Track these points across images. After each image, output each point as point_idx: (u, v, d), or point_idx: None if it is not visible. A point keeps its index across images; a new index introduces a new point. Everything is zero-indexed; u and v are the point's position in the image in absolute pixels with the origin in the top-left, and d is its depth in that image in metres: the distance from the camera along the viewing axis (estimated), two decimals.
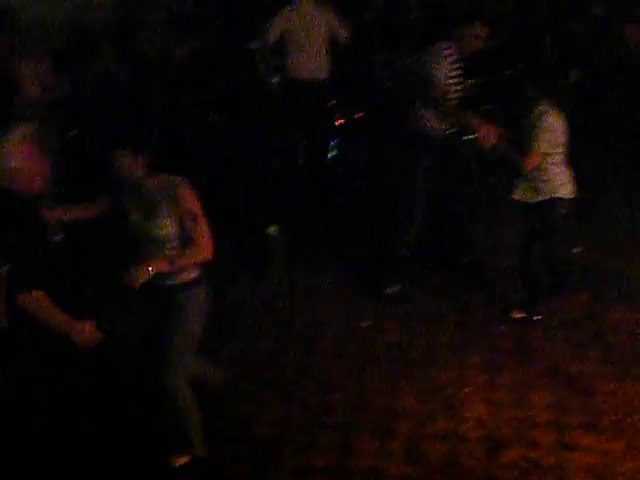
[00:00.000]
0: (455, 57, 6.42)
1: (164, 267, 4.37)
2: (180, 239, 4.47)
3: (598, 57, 10.40)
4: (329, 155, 8.82)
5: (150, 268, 4.30)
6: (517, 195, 6.23)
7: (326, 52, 8.56)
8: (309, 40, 8.45)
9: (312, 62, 8.50)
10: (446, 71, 6.39)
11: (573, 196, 6.16)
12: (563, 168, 6.11)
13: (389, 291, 6.82)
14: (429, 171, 6.58)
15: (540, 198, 6.12)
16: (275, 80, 8.88)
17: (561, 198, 6.11)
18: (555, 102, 6.01)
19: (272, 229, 7.71)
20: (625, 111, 9.08)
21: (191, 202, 4.44)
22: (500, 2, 11.89)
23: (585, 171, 6.52)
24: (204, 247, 4.48)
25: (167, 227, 4.43)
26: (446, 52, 6.40)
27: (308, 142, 8.70)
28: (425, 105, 6.47)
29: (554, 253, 6.35)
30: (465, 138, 6.80)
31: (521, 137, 6.05)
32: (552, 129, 5.97)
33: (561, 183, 6.09)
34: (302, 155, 8.70)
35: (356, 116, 9.04)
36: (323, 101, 8.69)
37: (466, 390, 5.63)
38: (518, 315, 6.49)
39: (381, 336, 6.34)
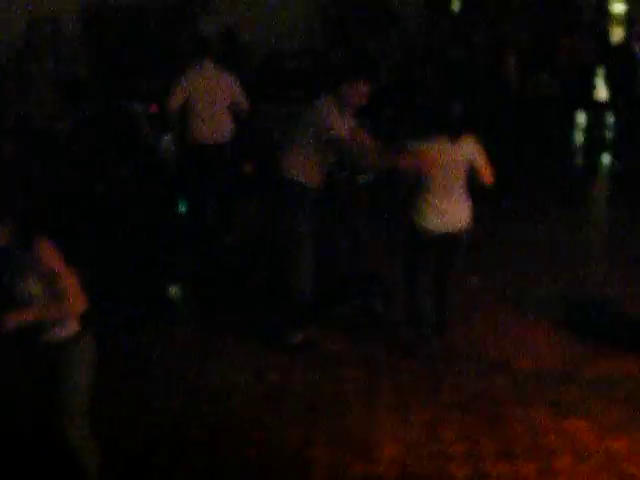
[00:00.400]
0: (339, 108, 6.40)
1: (28, 317, 4.34)
2: (50, 297, 4.43)
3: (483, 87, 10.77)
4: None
5: (13, 316, 4.29)
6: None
7: (228, 115, 8.61)
8: (212, 105, 8.46)
9: (215, 127, 8.50)
10: (335, 119, 6.36)
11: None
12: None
13: (293, 340, 6.78)
14: (312, 215, 6.57)
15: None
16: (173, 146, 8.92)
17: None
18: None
19: (174, 291, 7.68)
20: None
21: (51, 260, 4.40)
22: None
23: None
24: (71, 302, 4.44)
25: (34, 287, 4.40)
26: (333, 107, 6.37)
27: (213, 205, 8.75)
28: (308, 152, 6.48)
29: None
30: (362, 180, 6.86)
31: None
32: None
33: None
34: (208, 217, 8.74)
35: (247, 170, 9.06)
36: (227, 164, 8.71)
37: (378, 431, 5.60)
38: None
39: (287, 386, 6.27)
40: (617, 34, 17.10)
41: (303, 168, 6.44)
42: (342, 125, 6.27)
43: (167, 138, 9.41)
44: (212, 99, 8.47)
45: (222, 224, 8.86)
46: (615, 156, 10.87)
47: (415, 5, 15.82)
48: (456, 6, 16.01)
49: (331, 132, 6.23)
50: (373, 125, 9.31)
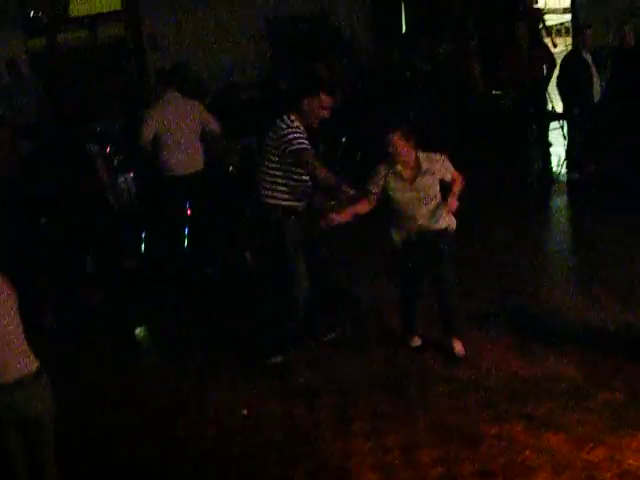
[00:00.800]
0: (302, 128, 6.43)
1: None
2: None
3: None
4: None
5: None
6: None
7: (200, 144, 8.58)
8: (182, 135, 8.42)
9: (187, 157, 8.46)
10: (298, 133, 6.38)
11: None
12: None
13: (272, 361, 6.70)
14: (299, 245, 6.56)
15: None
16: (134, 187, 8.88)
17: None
18: None
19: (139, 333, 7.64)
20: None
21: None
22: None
23: None
24: None
25: None
26: (295, 123, 6.40)
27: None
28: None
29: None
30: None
31: None
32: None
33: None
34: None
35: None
36: (202, 193, 8.67)
37: (355, 460, 5.55)
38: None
39: (262, 415, 6.20)
40: (565, 43, 17.41)
41: (282, 190, 6.47)
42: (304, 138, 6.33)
43: (123, 179, 9.33)
44: (182, 129, 8.44)
45: (202, 255, 8.79)
46: (571, 167, 10.96)
47: (364, 29, 15.94)
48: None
49: (295, 144, 6.27)
50: (330, 151, 9.36)
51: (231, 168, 9.50)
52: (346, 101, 11.26)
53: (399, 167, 6.30)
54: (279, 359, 6.74)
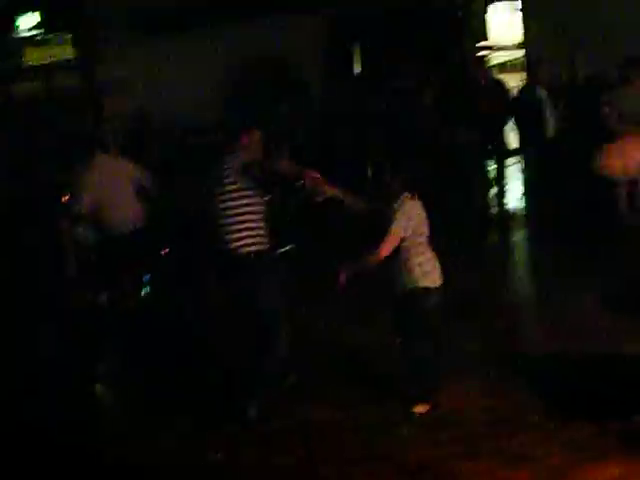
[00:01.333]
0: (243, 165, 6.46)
1: None
2: None
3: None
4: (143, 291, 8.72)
5: None
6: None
7: (137, 202, 8.51)
8: (118, 194, 8.34)
9: (125, 215, 8.40)
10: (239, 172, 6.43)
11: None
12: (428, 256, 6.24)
13: (251, 414, 6.56)
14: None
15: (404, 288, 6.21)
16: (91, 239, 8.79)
17: (427, 288, 6.20)
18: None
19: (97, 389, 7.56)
20: None
21: None
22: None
23: None
24: None
25: None
26: (236, 162, 6.45)
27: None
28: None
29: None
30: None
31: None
32: (410, 216, 6.12)
33: (424, 273, 6.20)
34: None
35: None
36: (139, 252, 8.57)
37: None
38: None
39: (235, 463, 6.12)
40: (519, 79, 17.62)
41: (247, 235, 6.46)
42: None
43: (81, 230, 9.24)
44: (117, 189, 8.34)
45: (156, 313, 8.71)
46: (527, 202, 11.11)
47: (317, 69, 16.07)
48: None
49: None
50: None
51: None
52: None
53: None
54: (255, 411, 6.60)
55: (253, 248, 6.46)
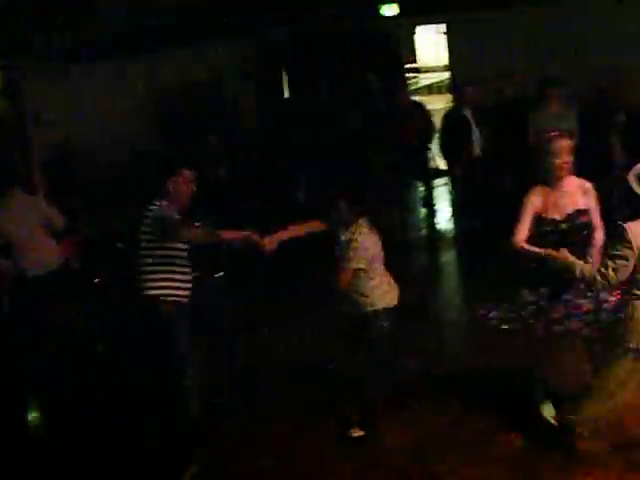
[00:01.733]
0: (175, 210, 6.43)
1: None
2: None
3: None
4: None
5: None
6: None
7: (51, 241, 8.27)
8: (29, 234, 8.09)
9: (39, 256, 8.13)
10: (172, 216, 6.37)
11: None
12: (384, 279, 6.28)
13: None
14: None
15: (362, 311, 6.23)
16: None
17: (385, 308, 6.24)
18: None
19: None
20: None
21: None
22: None
23: None
24: None
25: None
26: (166, 208, 6.39)
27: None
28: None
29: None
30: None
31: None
32: (365, 246, 6.11)
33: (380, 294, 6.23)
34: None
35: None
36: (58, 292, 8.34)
37: None
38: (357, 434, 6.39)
39: None
40: (444, 101, 17.83)
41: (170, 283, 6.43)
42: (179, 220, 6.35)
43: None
44: (28, 228, 8.09)
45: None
46: (455, 222, 11.19)
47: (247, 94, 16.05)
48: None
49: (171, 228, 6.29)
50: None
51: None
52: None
53: None
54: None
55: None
